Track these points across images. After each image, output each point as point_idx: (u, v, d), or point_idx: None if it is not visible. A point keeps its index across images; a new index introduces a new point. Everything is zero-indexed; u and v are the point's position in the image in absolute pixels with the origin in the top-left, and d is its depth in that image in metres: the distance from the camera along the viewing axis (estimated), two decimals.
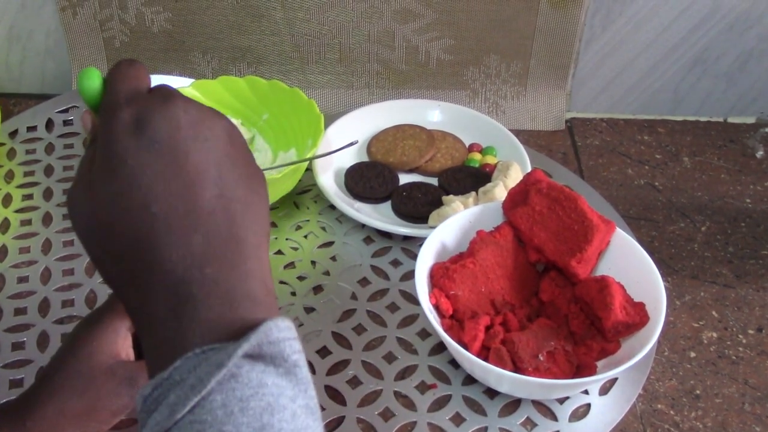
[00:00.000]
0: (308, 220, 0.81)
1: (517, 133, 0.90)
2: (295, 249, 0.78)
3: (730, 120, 1.00)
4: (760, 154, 0.93)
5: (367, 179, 0.82)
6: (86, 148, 0.40)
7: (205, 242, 0.36)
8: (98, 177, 0.37)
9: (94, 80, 0.40)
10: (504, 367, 0.61)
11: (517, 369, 0.62)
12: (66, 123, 0.93)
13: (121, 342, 0.56)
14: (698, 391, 0.68)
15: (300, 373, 0.35)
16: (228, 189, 0.37)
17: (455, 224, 0.71)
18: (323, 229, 0.80)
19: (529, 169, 0.81)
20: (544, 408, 0.65)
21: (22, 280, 0.75)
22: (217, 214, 0.36)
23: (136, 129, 0.36)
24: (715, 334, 0.73)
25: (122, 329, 0.57)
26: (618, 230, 0.68)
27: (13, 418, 0.54)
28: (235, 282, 0.36)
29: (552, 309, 0.68)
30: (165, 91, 0.38)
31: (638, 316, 0.63)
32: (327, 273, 0.76)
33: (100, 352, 0.55)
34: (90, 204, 0.37)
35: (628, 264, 0.67)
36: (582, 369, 0.63)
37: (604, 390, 0.67)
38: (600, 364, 0.64)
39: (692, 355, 0.71)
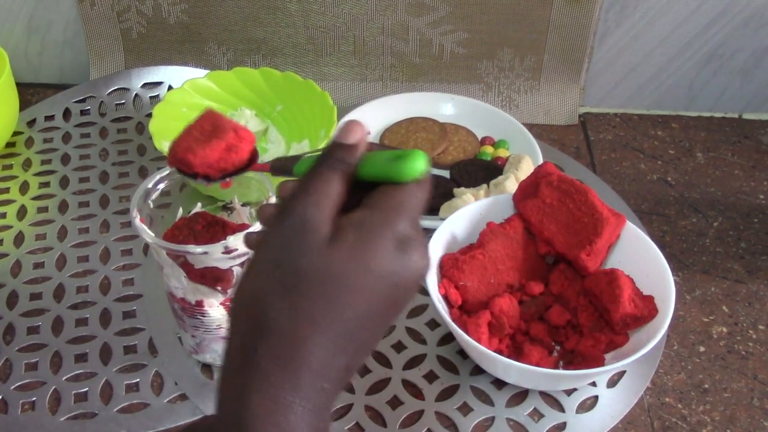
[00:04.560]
0: None
1: (530, 127, 0.90)
2: None
3: (745, 116, 0.99)
4: None
5: None
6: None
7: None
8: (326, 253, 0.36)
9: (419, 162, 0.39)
10: (511, 357, 0.61)
11: (523, 359, 0.62)
12: (83, 113, 0.94)
13: None
14: (707, 386, 0.68)
15: None
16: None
17: (466, 216, 0.71)
18: None
19: (541, 162, 0.82)
20: (551, 399, 0.65)
21: (38, 265, 0.76)
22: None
23: (400, 251, 0.37)
24: (725, 329, 0.73)
25: None
26: (628, 224, 0.69)
27: None
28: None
29: (561, 301, 0.68)
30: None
31: (647, 309, 0.63)
32: None
33: None
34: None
35: (638, 257, 0.67)
36: (590, 361, 0.64)
37: (612, 382, 0.67)
38: (608, 356, 0.64)
39: (701, 349, 0.71)
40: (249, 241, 0.45)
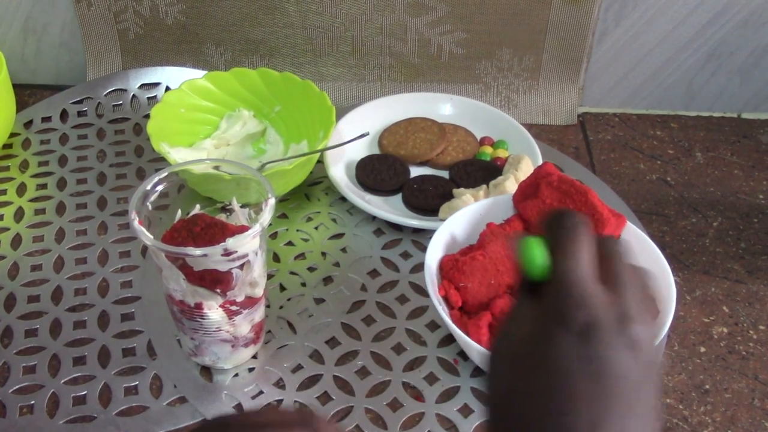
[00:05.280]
0: (319, 212, 0.81)
1: (529, 127, 0.90)
2: (306, 240, 0.78)
3: (744, 116, 0.99)
4: None
5: (378, 172, 0.82)
6: (520, 303, 0.38)
7: None
8: (528, 362, 0.36)
9: (537, 253, 0.37)
10: None
11: None
12: (80, 114, 0.94)
13: None
14: (707, 386, 0.68)
15: None
16: None
17: (465, 216, 0.71)
18: (334, 220, 0.80)
19: (540, 163, 0.81)
20: None
21: (36, 268, 0.75)
22: None
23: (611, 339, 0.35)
24: (725, 330, 0.73)
25: None
26: (628, 224, 0.68)
27: None
28: None
29: None
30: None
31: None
32: (337, 264, 0.76)
33: None
34: (509, 377, 0.37)
35: (639, 258, 0.67)
36: None
37: None
38: None
39: (702, 350, 0.71)
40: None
